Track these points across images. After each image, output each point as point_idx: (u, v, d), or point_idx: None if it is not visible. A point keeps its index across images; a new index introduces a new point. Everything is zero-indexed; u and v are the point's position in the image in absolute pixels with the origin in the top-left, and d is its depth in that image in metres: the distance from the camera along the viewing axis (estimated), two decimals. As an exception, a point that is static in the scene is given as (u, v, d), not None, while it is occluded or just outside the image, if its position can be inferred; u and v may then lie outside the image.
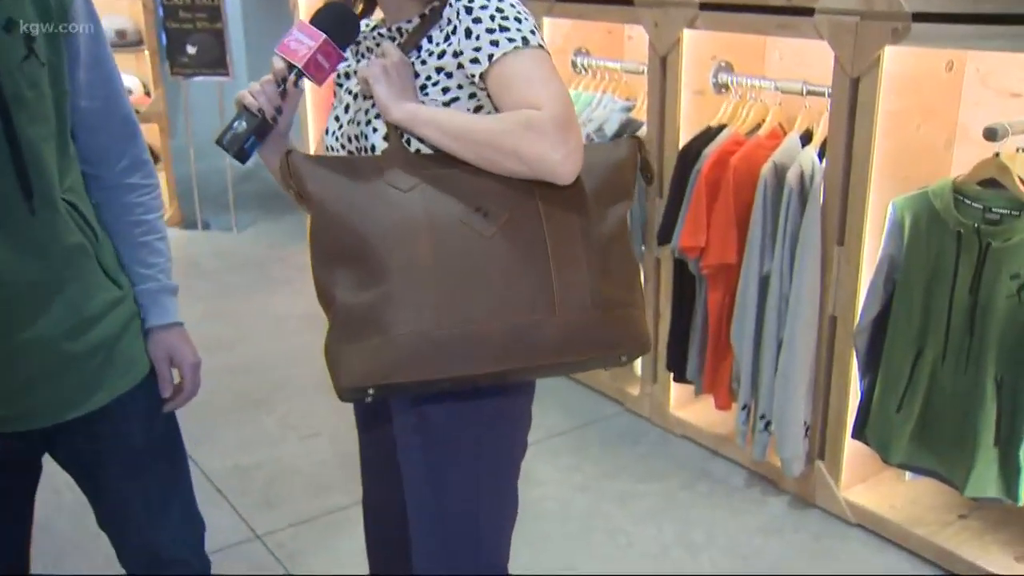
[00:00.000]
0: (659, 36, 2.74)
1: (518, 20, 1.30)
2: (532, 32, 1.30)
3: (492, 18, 1.29)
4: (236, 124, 1.33)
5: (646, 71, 2.89)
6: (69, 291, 1.34)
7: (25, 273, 1.29)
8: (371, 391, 1.24)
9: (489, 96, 1.32)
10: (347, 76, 1.46)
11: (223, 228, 5.28)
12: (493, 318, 1.24)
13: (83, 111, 1.37)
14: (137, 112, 1.46)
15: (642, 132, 2.94)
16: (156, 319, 1.48)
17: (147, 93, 5.12)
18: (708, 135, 2.72)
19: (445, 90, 1.33)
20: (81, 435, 1.43)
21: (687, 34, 2.69)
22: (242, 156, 1.34)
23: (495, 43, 1.28)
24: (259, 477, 2.75)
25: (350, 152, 1.39)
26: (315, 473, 2.77)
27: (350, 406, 3.02)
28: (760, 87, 2.69)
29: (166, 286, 1.50)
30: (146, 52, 5.05)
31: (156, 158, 4.96)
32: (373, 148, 1.34)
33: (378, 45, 1.39)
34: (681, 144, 2.76)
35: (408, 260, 1.24)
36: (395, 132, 1.31)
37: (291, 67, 1.31)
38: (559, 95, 1.26)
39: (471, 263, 1.25)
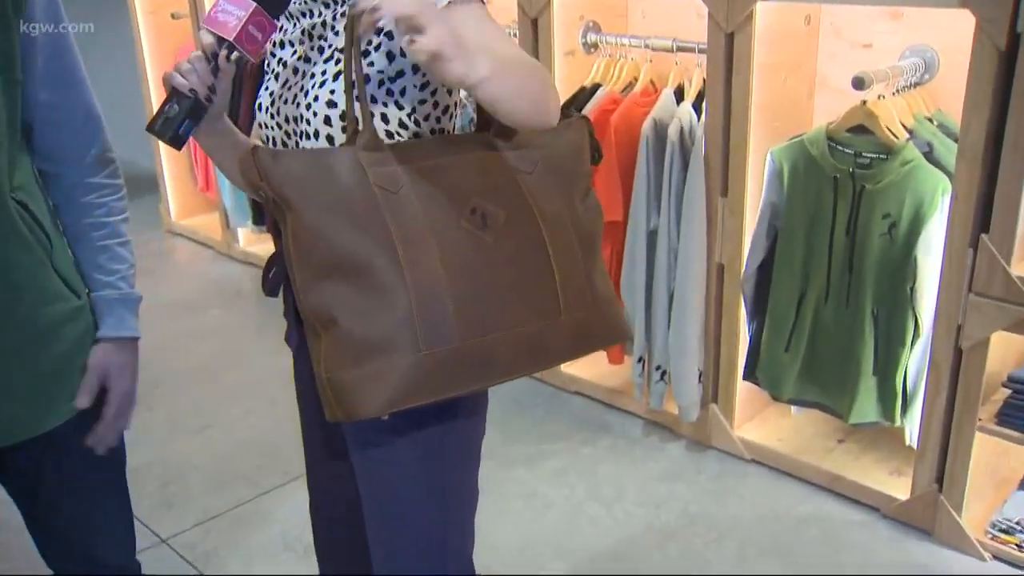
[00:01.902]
0: (529, -2, 2.74)
1: None
2: None
3: None
4: (168, 108, 1.22)
5: (515, 34, 2.89)
6: (19, 301, 1.23)
7: None
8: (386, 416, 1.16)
9: None
10: (281, 45, 1.33)
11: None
12: (505, 327, 1.17)
13: (42, 104, 1.27)
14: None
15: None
16: (108, 330, 1.37)
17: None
18: (584, 95, 2.75)
19: (390, 56, 1.22)
20: (21, 455, 1.33)
21: (557, -5, 2.70)
22: (177, 142, 1.23)
23: None
24: (153, 478, 2.62)
25: (287, 133, 1.29)
26: (213, 467, 2.67)
27: (236, 397, 2.96)
28: (630, 45, 2.74)
29: (126, 295, 1.40)
30: None
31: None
32: (316, 134, 1.24)
33: (312, 12, 1.27)
34: (558, 106, 2.78)
35: (418, 273, 1.14)
36: (367, 114, 1.19)
37: (221, 41, 1.21)
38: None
39: (478, 272, 1.17)
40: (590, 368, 3.04)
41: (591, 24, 2.83)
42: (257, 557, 2.29)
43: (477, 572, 1.43)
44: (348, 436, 1.35)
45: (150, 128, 1.22)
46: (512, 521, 2.40)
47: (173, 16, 4.34)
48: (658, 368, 2.68)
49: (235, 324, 3.59)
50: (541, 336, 1.21)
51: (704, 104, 2.46)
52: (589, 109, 2.68)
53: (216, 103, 1.26)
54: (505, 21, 2.92)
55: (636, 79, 2.74)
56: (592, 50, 2.84)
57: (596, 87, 2.75)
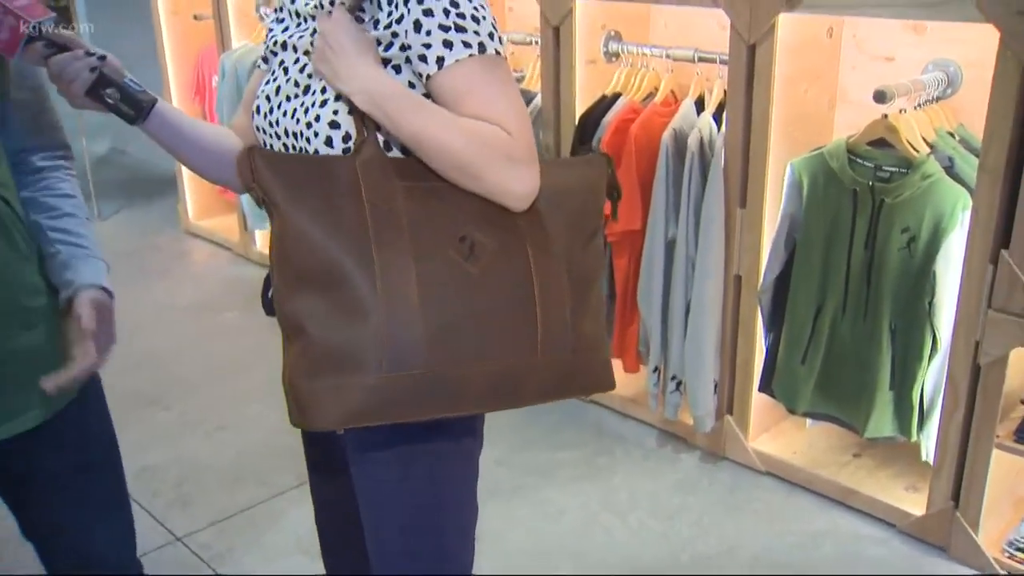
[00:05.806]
0: (551, 6, 2.74)
1: (476, 20, 1.17)
2: (490, 35, 1.18)
3: (446, 13, 1.16)
4: (108, 97, 1.22)
5: (536, 41, 2.90)
6: (8, 297, 1.24)
7: None
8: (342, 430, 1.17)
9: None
10: (283, 47, 1.29)
11: (84, 218, 5.01)
12: (477, 361, 1.16)
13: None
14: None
15: (536, 102, 2.95)
16: (92, 279, 1.35)
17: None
18: (604, 104, 2.76)
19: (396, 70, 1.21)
20: (11, 452, 1.33)
21: (579, 3, 2.70)
22: (138, 107, 1.24)
23: (448, 44, 1.16)
24: (169, 477, 2.64)
25: (284, 146, 1.26)
26: (227, 467, 2.68)
27: (251, 398, 2.97)
28: (651, 55, 2.74)
29: (95, 254, 1.39)
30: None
31: None
32: (316, 153, 1.22)
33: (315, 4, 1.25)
34: (578, 114, 2.79)
35: (392, 297, 1.13)
36: (372, 132, 1.19)
37: (29, 39, 1.19)
38: (523, 116, 1.18)
39: (454, 303, 1.16)
40: (605, 377, 3.03)
41: (612, 33, 2.83)
42: (271, 558, 2.29)
43: (485, 574, 1.42)
44: (348, 447, 1.33)
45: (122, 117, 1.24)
46: (525, 528, 2.39)
47: (195, 17, 4.37)
48: (673, 378, 2.68)
49: (251, 326, 3.60)
50: (514, 374, 1.19)
51: (724, 115, 2.46)
52: (610, 118, 2.69)
53: (109, 64, 1.24)
54: (528, 29, 2.92)
55: (657, 89, 2.74)
56: (613, 59, 2.84)
57: (616, 96, 2.76)
